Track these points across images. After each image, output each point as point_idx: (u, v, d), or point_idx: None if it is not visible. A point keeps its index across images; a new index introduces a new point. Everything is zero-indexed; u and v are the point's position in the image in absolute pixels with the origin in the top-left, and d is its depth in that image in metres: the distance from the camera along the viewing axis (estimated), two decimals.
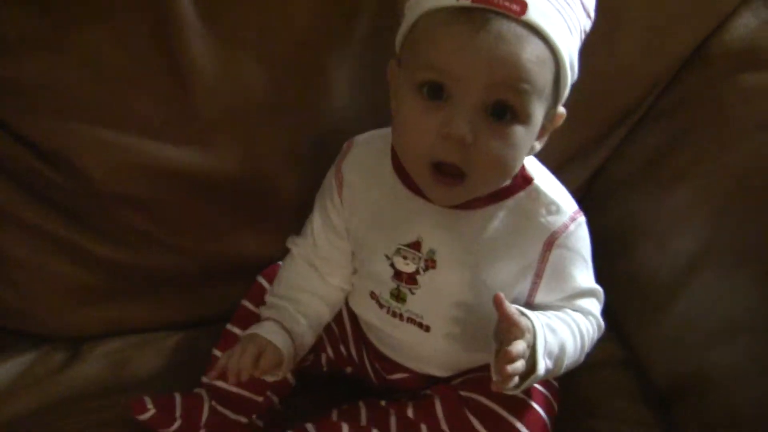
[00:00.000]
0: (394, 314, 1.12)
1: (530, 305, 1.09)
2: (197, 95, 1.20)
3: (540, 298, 1.10)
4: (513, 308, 0.99)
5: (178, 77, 1.19)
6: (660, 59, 1.33)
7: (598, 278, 1.12)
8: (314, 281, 1.18)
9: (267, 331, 1.12)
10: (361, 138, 1.15)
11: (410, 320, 1.12)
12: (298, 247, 1.18)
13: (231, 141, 1.23)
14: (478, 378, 1.14)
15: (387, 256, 1.10)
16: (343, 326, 1.23)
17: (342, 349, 1.23)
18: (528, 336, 0.99)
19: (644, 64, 1.32)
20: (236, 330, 1.21)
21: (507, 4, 0.94)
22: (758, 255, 1.16)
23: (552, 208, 1.08)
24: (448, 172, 0.98)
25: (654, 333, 1.26)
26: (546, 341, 1.01)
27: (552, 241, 1.07)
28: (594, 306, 1.11)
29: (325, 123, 1.25)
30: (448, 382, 1.17)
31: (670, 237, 1.26)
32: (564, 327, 1.06)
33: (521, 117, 0.97)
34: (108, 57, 1.16)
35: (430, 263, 1.08)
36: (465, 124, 0.95)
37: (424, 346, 1.14)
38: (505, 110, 0.96)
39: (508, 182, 1.05)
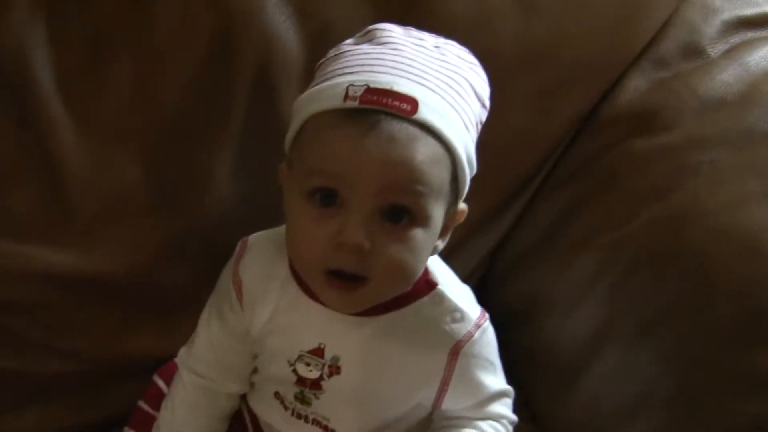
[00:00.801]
0: (299, 416, 1.09)
1: (437, 409, 1.09)
2: (73, 195, 1.15)
3: (447, 405, 1.08)
4: None
5: (51, 177, 1.14)
6: (553, 125, 1.32)
7: (508, 351, 1.11)
8: (205, 405, 1.13)
9: None
10: (255, 238, 1.10)
11: (315, 422, 1.09)
12: (188, 366, 1.13)
13: (111, 241, 1.19)
14: None
15: (289, 362, 1.06)
16: (244, 425, 1.19)
17: None
18: None
19: (537, 131, 1.32)
20: None
21: (397, 104, 0.91)
22: (658, 329, 1.15)
23: (456, 315, 1.05)
24: (346, 277, 0.94)
25: (563, 412, 1.25)
26: None
27: (457, 350, 1.05)
28: (505, 407, 1.10)
29: (209, 216, 1.21)
30: None
31: (572, 311, 1.25)
32: None
33: (419, 220, 0.94)
34: None
35: (334, 369, 1.05)
36: (360, 231, 0.91)
37: None
38: (401, 213, 0.93)
39: (409, 287, 1.01)
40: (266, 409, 1.13)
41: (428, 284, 1.04)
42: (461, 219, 1.03)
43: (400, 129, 0.91)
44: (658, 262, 1.18)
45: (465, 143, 0.96)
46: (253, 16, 1.17)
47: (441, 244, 1.02)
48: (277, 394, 1.10)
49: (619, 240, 1.23)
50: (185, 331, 1.15)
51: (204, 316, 1.12)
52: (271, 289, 1.06)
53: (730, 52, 1.31)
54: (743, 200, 1.16)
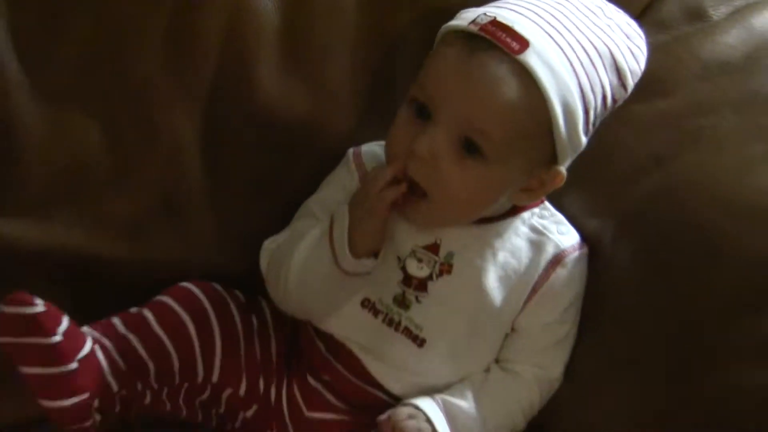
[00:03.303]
0: (390, 322, 1.14)
1: (514, 327, 1.17)
2: (29, 159, 1.14)
3: (523, 320, 1.15)
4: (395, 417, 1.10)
5: (4, 139, 1.13)
6: None
7: None
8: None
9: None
10: (366, 145, 1.21)
11: (406, 331, 1.14)
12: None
13: (70, 210, 1.17)
14: None
15: (399, 258, 1.12)
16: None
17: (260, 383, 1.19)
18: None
19: None
20: None
21: (508, 40, 0.99)
22: (657, 293, 1.15)
23: (563, 228, 1.17)
24: (412, 189, 1.04)
25: None
26: (451, 423, 1.11)
27: (559, 259, 1.15)
28: (561, 357, 1.18)
29: (173, 182, 1.20)
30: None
31: None
32: (488, 402, 1.14)
33: (487, 157, 1.02)
34: None
35: (446, 268, 1.12)
36: (426, 144, 1.01)
37: (410, 361, 1.16)
38: (473, 147, 1.01)
39: (469, 216, 1.11)
40: (346, 323, 1.16)
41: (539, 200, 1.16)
42: (558, 183, 1.09)
43: (498, 66, 0.99)
44: (662, 231, 1.17)
45: (569, 102, 1.02)
46: None
47: (527, 200, 1.12)
48: (365, 302, 1.14)
49: (617, 213, 1.22)
50: None
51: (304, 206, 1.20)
52: None
53: (734, 15, 1.32)
54: (749, 165, 1.16)
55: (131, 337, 1.11)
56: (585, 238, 1.23)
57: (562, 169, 1.09)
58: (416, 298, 1.13)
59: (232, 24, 1.17)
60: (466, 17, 1.04)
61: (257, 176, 1.23)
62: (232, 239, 1.24)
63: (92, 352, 1.07)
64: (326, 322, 1.17)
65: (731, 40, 1.28)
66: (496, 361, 1.20)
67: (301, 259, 1.12)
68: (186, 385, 1.15)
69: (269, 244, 1.18)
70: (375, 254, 1.10)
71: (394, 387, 1.17)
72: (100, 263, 1.19)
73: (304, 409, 1.19)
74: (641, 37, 1.12)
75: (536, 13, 1.03)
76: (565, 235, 1.18)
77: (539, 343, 1.18)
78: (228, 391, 1.17)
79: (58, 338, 1.03)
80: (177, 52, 1.16)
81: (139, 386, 1.12)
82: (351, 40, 1.22)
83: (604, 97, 1.07)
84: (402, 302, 1.13)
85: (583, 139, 1.08)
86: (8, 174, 1.14)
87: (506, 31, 1.00)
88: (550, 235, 1.16)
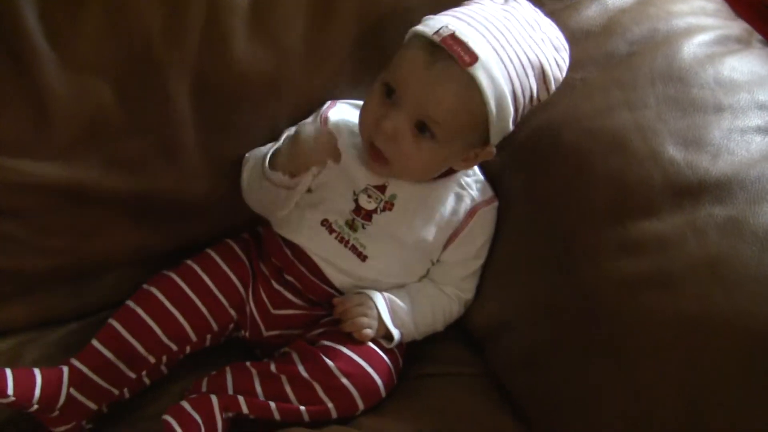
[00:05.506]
0: (341, 240, 1.33)
1: (440, 257, 1.38)
2: (55, 117, 1.29)
3: (447, 255, 1.38)
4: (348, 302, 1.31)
5: (36, 102, 1.27)
6: None
7: None
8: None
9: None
10: (341, 101, 1.39)
11: (353, 248, 1.33)
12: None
13: (92, 154, 1.32)
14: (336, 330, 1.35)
15: (354, 192, 1.32)
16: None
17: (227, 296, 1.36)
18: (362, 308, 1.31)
19: None
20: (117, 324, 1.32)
21: (462, 54, 1.16)
22: (545, 209, 1.36)
23: (479, 185, 1.38)
24: (379, 152, 1.25)
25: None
26: (392, 315, 1.33)
27: (474, 211, 1.36)
28: (474, 283, 1.41)
29: (170, 128, 1.37)
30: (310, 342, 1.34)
31: None
32: (420, 306, 1.37)
33: (437, 138, 1.22)
34: None
35: (388, 206, 1.33)
36: (391, 124, 1.21)
37: (355, 269, 1.35)
38: (425, 129, 1.21)
39: (421, 179, 1.32)
40: (306, 236, 1.35)
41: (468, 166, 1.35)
42: (488, 157, 1.30)
43: (453, 73, 1.17)
44: (545, 158, 1.37)
45: (503, 105, 1.21)
46: None
47: (464, 165, 1.32)
48: (324, 222, 1.34)
49: (512, 144, 1.38)
50: (154, 228, 1.38)
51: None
52: (352, 134, 1.33)
53: None
54: (609, 108, 1.32)
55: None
56: (490, 170, 1.42)
57: (494, 147, 1.29)
58: (362, 225, 1.32)
59: (212, 2, 1.31)
60: (432, 25, 1.20)
61: (234, 121, 1.38)
62: (215, 172, 1.40)
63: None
64: (293, 235, 1.36)
65: (591, 14, 1.44)
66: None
67: (249, 166, 1.35)
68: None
69: (249, 153, 1.38)
70: (292, 175, 1.28)
71: (342, 285, 1.36)
72: (112, 194, 1.35)
73: (270, 308, 1.37)
74: (566, 50, 1.28)
75: (486, 28, 1.19)
76: (481, 192, 1.37)
77: (460, 273, 1.39)
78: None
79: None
80: (171, 26, 1.30)
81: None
82: (305, 14, 1.36)
83: (531, 98, 1.25)
84: (352, 226, 1.32)
85: (511, 128, 1.26)
86: (39, 128, 1.28)
87: (461, 45, 1.16)
88: (470, 191, 1.36)
